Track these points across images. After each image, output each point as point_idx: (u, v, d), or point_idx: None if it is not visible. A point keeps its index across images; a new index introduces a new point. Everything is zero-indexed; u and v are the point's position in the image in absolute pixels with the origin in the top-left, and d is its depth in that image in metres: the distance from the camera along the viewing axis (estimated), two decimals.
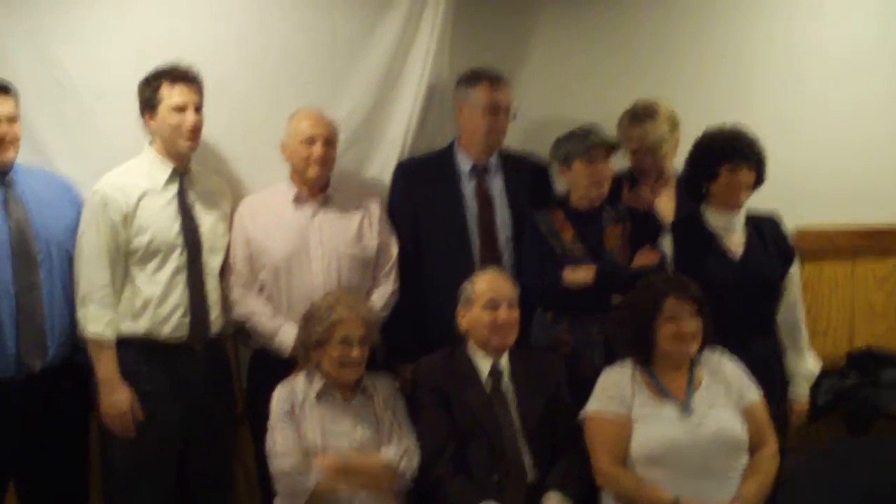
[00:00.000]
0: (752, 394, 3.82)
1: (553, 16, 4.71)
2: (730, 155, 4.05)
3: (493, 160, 4.42)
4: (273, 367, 4.06)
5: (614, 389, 3.79)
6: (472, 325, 3.97)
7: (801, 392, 4.23)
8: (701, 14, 4.82)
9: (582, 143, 4.16)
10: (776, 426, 3.90)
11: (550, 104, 4.63)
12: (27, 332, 3.85)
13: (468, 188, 4.39)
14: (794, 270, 4.21)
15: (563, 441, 3.88)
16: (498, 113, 4.32)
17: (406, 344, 4.26)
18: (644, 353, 3.77)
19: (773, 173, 4.17)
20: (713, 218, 4.15)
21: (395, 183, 4.45)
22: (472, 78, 4.35)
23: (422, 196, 4.37)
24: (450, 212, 4.35)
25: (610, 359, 3.95)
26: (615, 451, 3.72)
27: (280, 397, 3.85)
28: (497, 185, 4.41)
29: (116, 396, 3.92)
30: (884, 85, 4.98)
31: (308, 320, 3.91)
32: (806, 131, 4.88)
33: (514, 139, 4.48)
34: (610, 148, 4.19)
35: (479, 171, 4.39)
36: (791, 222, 4.32)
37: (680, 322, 3.73)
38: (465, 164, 4.40)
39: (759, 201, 4.21)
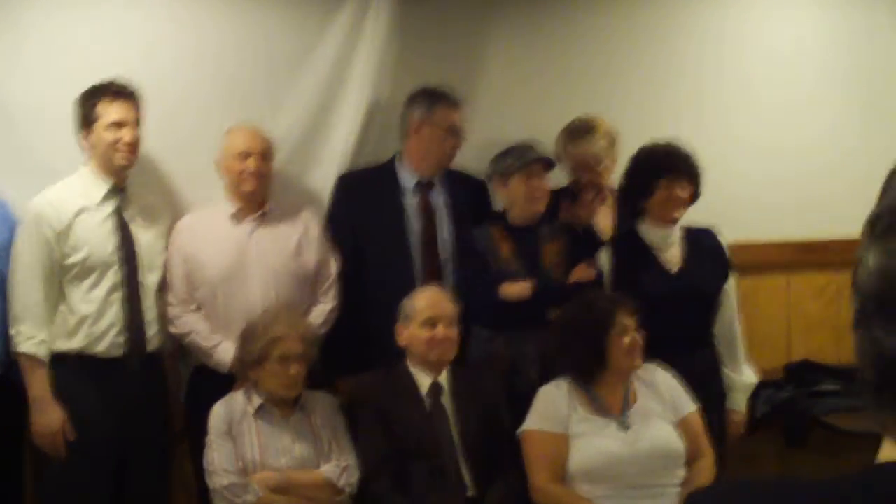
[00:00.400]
0: (687, 405, 3.84)
1: (495, 31, 4.73)
2: (666, 170, 4.08)
3: (437, 177, 4.42)
4: (213, 383, 4.04)
5: (550, 408, 3.79)
6: (411, 341, 3.97)
7: (738, 403, 4.26)
8: (635, 30, 4.86)
9: (520, 159, 4.17)
10: (715, 438, 3.93)
11: (488, 120, 4.63)
12: None
13: (411, 203, 4.39)
14: (731, 283, 4.24)
15: (502, 458, 3.87)
16: (456, 134, 4.34)
17: (346, 358, 4.24)
18: (593, 369, 3.76)
19: (708, 188, 4.20)
20: (649, 233, 4.17)
21: (337, 194, 4.44)
22: (432, 97, 4.34)
23: (363, 208, 4.37)
24: (392, 226, 4.35)
25: (546, 374, 3.96)
26: (552, 468, 3.72)
27: (218, 414, 3.83)
28: (441, 201, 4.41)
29: (48, 416, 3.89)
30: (815, 89, 5.05)
31: (246, 338, 3.90)
32: (740, 158, 4.91)
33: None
34: (547, 164, 4.21)
35: (424, 187, 4.40)
36: (727, 237, 4.34)
37: (632, 334, 3.75)
38: (408, 179, 4.40)
39: (695, 216, 4.24)
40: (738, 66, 4.97)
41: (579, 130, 4.39)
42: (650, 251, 4.17)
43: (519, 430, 3.82)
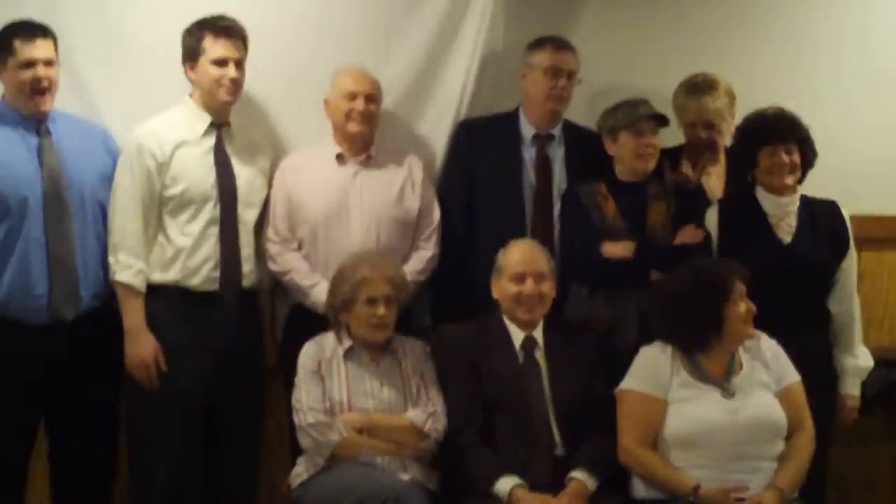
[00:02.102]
0: (791, 375, 3.75)
1: None
2: (768, 136, 3.98)
3: (557, 130, 4.37)
4: (309, 323, 4.06)
5: (652, 370, 3.72)
6: (501, 295, 3.93)
7: (852, 387, 4.14)
8: None
9: (629, 115, 4.09)
10: (822, 421, 3.83)
11: (606, 73, 4.55)
12: (59, 281, 3.89)
13: (528, 155, 4.34)
14: (851, 261, 4.11)
15: (594, 419, 3.81)
16: (559, 76, 4.27)
17: (454, 308, 4.22)
18: (710, 339, 3.67)
19: (833, 160, 4.10)
20: (765, 200, 4.06)
21: (457, 141, 4.42)
22: (538, 43, 4.32)
23: (482, 157, 4.34)
24: (507, 176, 4.31)
25: (645, 336, 3.87)
26: (643, 431, 3.66)
27: (308, 353, 3.86)
28: (558, 155, 4.36)
29: (141, 346, 3.94)
30: None
31: (335, 282, 3.91)
32: (871, 119, 4.72)
33: (576, 109, 4.43)
34: (658, 121, 4.11)
35: (542, 139, 4.35)
36: (850, 209, 4.19)
37: (747, 302, 3.66)
38: (527, 130, 4.36)
39: (817, 188, 4.12)
40: (860, 32, 4.77)
41: (701, 86, 4.28)
42: (765, 219, 4.05)
43: (616, 389, 3.75)
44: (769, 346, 3.78)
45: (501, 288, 3.92)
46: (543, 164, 4.33)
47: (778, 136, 3.98)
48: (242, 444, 4.21)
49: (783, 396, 3.70)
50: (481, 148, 4.35)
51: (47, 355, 3.89)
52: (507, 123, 4.39)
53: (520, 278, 3.88)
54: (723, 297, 3.64)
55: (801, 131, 4.01)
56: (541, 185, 4.31)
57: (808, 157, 4.04)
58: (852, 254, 4.12)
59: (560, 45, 4.29)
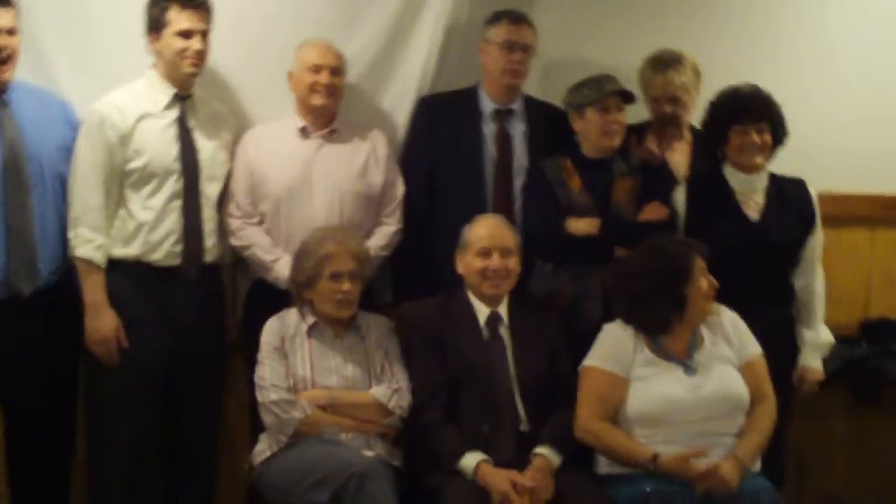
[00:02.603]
0: (752, 348, 3.77)
1: None
2: (738, 115, 3.98)
3: (517, 105, 4.35)
4: (271, 298, 4.03)
5: (615, 348, 3.73)
6: (466, 271, 3.92)
7: (813, 359, 4.16)
8: None
9: (596, 91, 4.07)
10: (783, 394, 3.85)
11: (570, 48, 4.55)
12: (16, 255, 3.83)
13: (489, 130, 4.32)
14: (817, 238, 4.14)
15: (558, 395, 3.81)
16: (515, 50, 4.24)
17: (415, 284, 4.20)
18: (672, 319, 3.67)
19: (794, 140, 4.08)
20: (733, 178, 4.06)
21: (417, 117, 4.39)
22: (494, 17, 4.29)
23: (442, 133, 4.31)
24: (467, 152, 4.29)
25: (609, 312, 3.87)
26: (602, 407, 3.67)
27: (270, 330, 3.83)
28: (519, 130, 4.34)
29: (102, 321, 3.90)
30: None
31: (298, 258, 3.87)
32: (830, 99, 4.75)
33: (533, 83, 4.42)
34: (625, 97, 4.10)
35: (502, 114, 4.33)
36: (813, 186, 4.20)
37: (708, 278, 3.67)
38: (487, 105, 4.34)
39: (779, 166, 4.13)
40: (819, 13, 4.80)
41: (667, 61, 4.27)
42: (732, 196, 4.06)
43: (580, 366, 3.75)
44: (730, 319, 3.79)
45: (467, 263, 3.91)
46: (504, 139, 4.32)
47: (750, 115, 3.98)
48: (202, 420, 4.17)
49: (745, 370, 3.72)
50: (441, 124, 4.32)
51: (3, 330, 3.84)
52: (466, 99, 4.37)
53: (486, 253, 3.87)
54: (683, 277, 3.64)
55: (773, 111, 4.02)
56: (501, 160, 4.30)
57: (779, 136, 4.04)
58: (818, 231, 4.15)
59: (516, 18, 4.27)
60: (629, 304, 3.73)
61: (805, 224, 4.11)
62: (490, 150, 4.30)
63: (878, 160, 4.81)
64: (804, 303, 4.13)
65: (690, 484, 3.49)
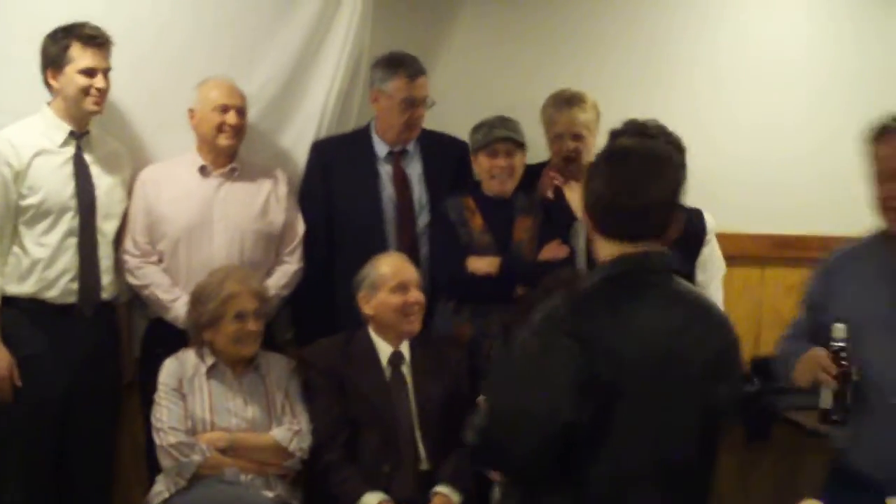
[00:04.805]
0: None
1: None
2: None
3: (411, 145, 4.34)
4: (169, 336, 3.99)
5: None
6: (379, 309, 3.88)
7: None
8: (627, 9, 4.81)
9: (486, 136, 4.12)
10: None
11: (471, 88, 4.59)
12: None
13: (385, 171, 4.31)
14: (704, 261, 4.21)
15: (459, 433, 3.81)
16: (415, 106, 4.24)
17: (316, 328, 4.15)
18: None
19: (691, 175, 4.12)
20: None
21: (311, 162, 4.35)
22: (390, 67, 4.24)
23: (337, 176, 4.28)
24: (365, 195, 4.27)
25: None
26: None
27: (168, 371, 3.77)
28: (416, 169, 4.34)
29: None
30: (808, 100, 4.97)
31: (198, 299, 3.82)
32: (725, 139, 4.85)
33: (433, 122, 4.40)
34: (515, 144, 4.13)
35: (397, 155, 4.32)
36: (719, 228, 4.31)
37: None
38: (381, 148, 4.32)
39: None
40: (733, 62, 4.91)
41: (570, 99, 4.31)
42: None
43: (477, 401, 3.75)
44: None
45: (380, 301, 3.87)
46: (401, 180, 4.32)
47: None
48: (96, 458, 4.10)
49: None
50: (335, 167, 4.29)
51: None
52: (360, 141, 4.35)
53: (402, 287, 3.86)
54: None
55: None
56: (401, 200, 4.29)
57: None
58: (709, 256, 4.22)
59: (413, 73, 4.22)
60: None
61: (689, 249, 4.12)
62: (388, 189, 4.30)
63: (769, 198, 4.92)
64: None
65: None
